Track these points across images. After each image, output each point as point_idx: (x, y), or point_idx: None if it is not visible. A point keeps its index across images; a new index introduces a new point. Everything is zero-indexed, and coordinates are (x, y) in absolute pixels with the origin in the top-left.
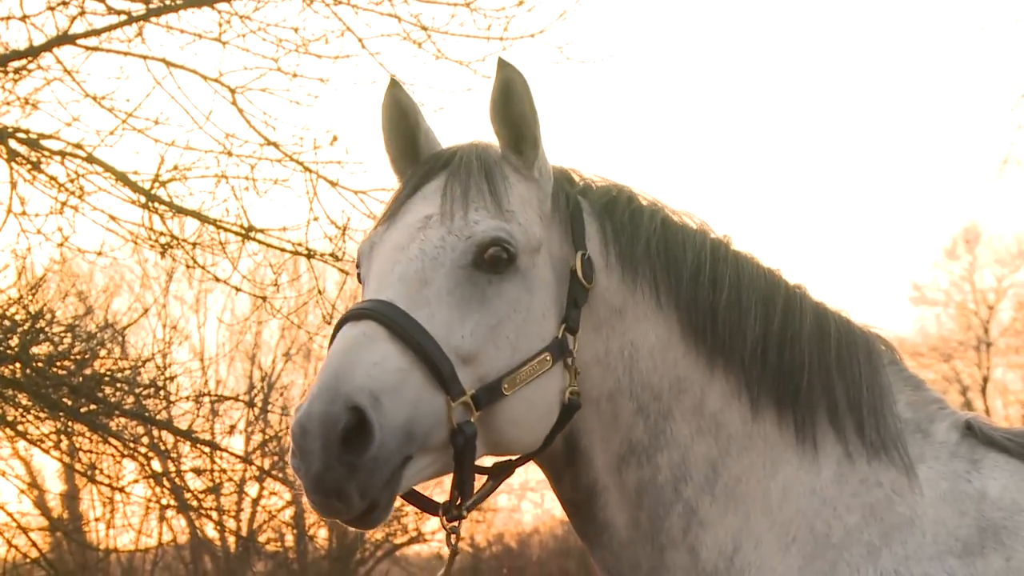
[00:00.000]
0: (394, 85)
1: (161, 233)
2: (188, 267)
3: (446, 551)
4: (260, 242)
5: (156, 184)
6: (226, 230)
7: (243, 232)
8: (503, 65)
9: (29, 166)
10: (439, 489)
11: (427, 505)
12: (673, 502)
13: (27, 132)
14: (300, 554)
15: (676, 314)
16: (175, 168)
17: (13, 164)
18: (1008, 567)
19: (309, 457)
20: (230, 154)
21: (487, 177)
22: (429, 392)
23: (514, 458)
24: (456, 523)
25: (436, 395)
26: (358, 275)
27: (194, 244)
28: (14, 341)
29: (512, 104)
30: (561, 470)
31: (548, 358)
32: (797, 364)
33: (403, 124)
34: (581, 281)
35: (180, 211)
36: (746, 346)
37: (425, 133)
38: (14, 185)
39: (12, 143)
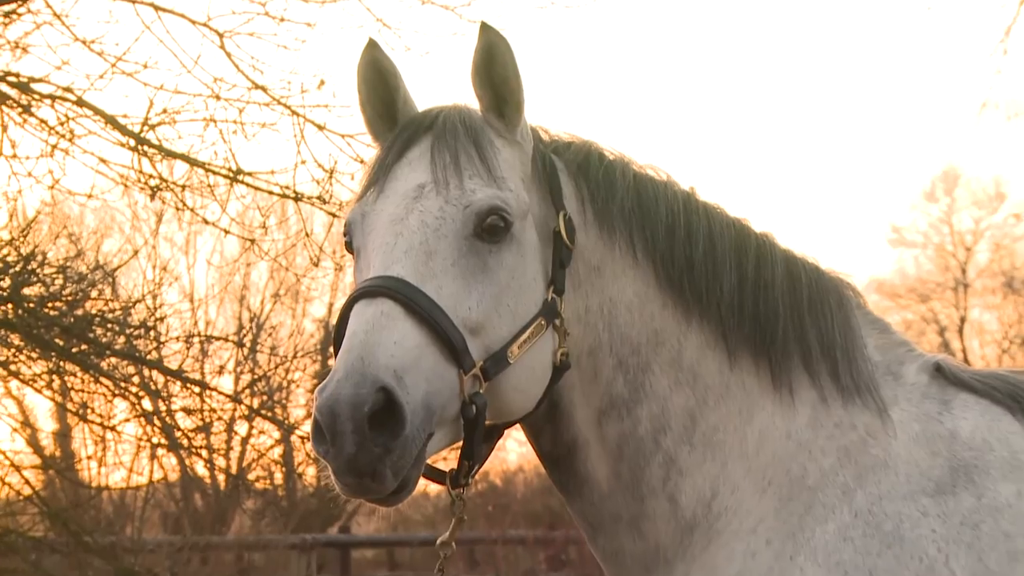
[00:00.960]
0: (372, 45)
1: (151, 176)
2: (177, 209)
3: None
4: (248, 185)
5: (145, 127)
6: (215, 173)
7: (231, 175)
8: (485, 28)
9: (20, 109)
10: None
11: (433, 474)
12: (653, 452)
13: (17, 76)
14: (289, 491)
15: (653, 268)
16: (164, 111)
17: (4, 107)
18: (979, 505)
19: (341, 439)
20: (218, 98)
21: (475, 143)
22: (444, 367)
23: (503, 422)
24: (462, 490)
25: (450, 369)
26: (347, 243)
27: (183, 187)
28: (6, 282)
29: (495, 68)
30: (541, 426)
31: (543, 322)
32: (771, 312)
33: (381, 86)
34: (565, 242)
35: (169, 154)
36: (722, 296)
37: (404, 96)
38: (4, 128)
39: (3, 86)
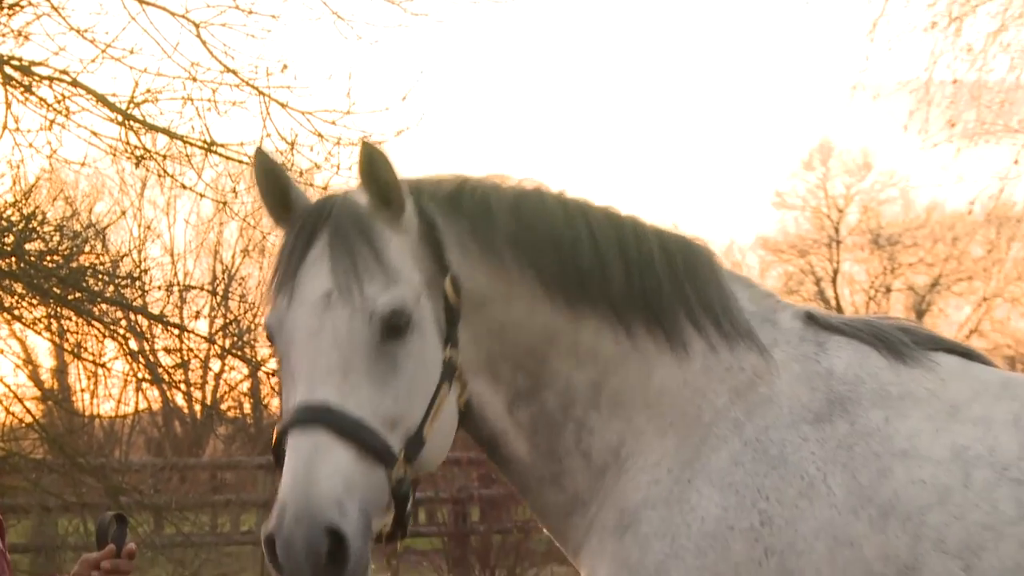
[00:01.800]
0: (260, 153)
1: (136, 147)
2: (159, 176)
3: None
4: (221, 155)
5: (131, 105)
6: (192, 144)
7: (206, 146)
8: (365, 144)
9: (22, 89)
10: None
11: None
12: (564, 422)
13: (20, 60)
14: (256, 419)
15: (540, 282)
16: (148, 92)
17: (8, 87)
18: (852, 430)
19: (299, 572)
20: (195, 80)
21: (367, 241)
22: (374, 474)
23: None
24: (397, 543)
25: (379, 472)
26: (270, 339)
27: (164, 156)
28: (10, 239)
29: (376, 174)
30: (469, 425)
31: (446, 385)
32: (655, 286)
33: (273, 182)
34: (453, 302)
35: (152, 128)
36: (611, 287)
37: (293, 188)
38: (8, 105)
39: (7, 69)
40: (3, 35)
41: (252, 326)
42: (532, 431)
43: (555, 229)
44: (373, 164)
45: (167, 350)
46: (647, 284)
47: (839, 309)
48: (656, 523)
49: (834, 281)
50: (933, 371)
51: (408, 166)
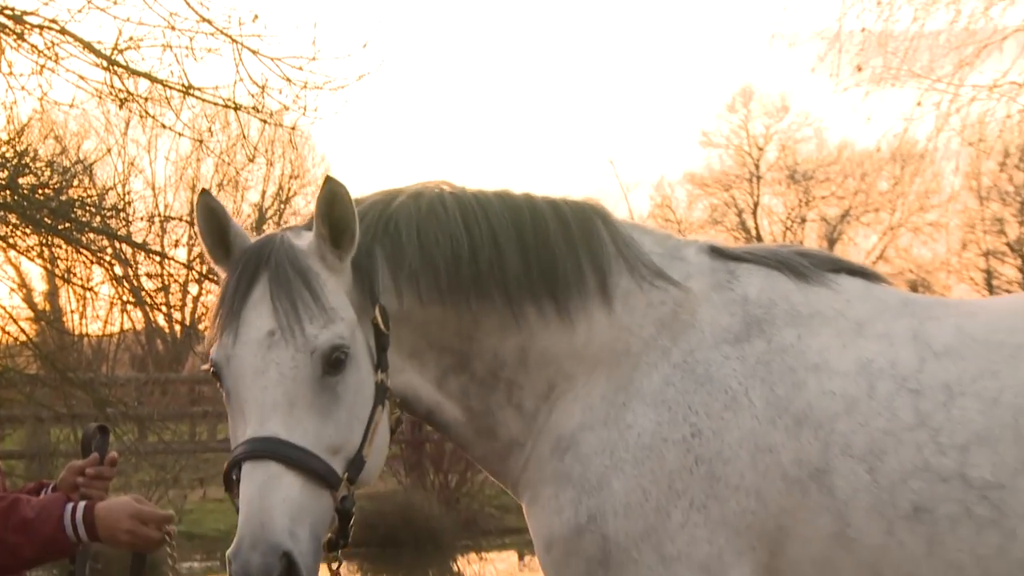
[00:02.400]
0: (203, 194)
1: (120, 90)
2: (141, 117)
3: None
4: (198, 98)
5: (115, 51)
6: (171, 88)
7: (184, 90)
8: (329, 179)
9: (15, 36)
10: None
11: None
12: (495, 384)
13: (12, 9)
14: None
15: (451, 289)
16: (130, 39)
17: (2, 35)
18: (769, 348)
19: None
20: (173, 28)
21: (305, 282)
22: (321, 497)
23: None
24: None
25: (324, 495)
26: (216, 375)
27: (146, 99)
28: (4, 174)
29: (335, 211)
30: (408, 407)
31: (380, 408)
32: (550, 263)
33: (214, 222)
34: (382, 330)
35: (134, 73)
36: (510, 275)
37: (233, 229)
38: (2, 51)
39: (1, 18)
40: None
41: None
42: (463, 396)
43: (456, 240)
44: (334, 203)
45: (149, 275)
46: (544, 264)
47: (759, 238)
48: (595, 442)
49: (754, 213)
50: (839, 292)
51: (369, 108)
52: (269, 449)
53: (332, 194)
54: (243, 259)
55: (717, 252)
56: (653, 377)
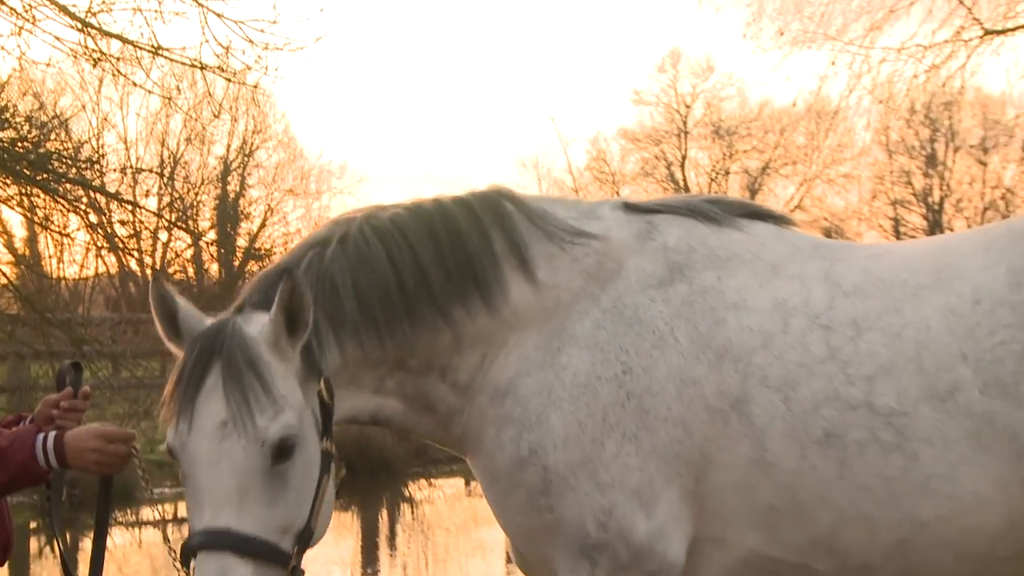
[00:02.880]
0: (155, 281)
1: (93, 50)
2: (114, 75)
3: None
4: (166, 58)
5: (89, 14)
6: (141, 48)
7: (153, 50)
8: (290, 274)
9: None
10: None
11: None
12: (429, 371)
13: None
14: (199, 282)
15: (381, 327)
16: (103, 2)
17: None
18: (691, 290)
19: None
20: None
21: (255, 373)
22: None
23: None
24: None
25: (275, 572)
26: (173, 456)
27: (118, 59)
28: None
29: (295, 302)
30: (352, 420)
31: (326, 477)
32: (466, 261)
33: (165, 308)
34: (327, 402)
35: (107, 34)
36: (433, 287)
37: (182, 313)
38: None
39: None
40: None
41: (194, 203)
42: (399, 389)
43: (383, 276)
44: (293, 297)
45: (122, 222)
46: (463, 266)
47: (687, 189)
48: (532, 384)
49: (682, 166)
50: (753, 235)
51: (326, 67)
52: (221, 542)
53: (292, 289)
54: (197, 344)
55: (631, 207)
56: (585, 322)
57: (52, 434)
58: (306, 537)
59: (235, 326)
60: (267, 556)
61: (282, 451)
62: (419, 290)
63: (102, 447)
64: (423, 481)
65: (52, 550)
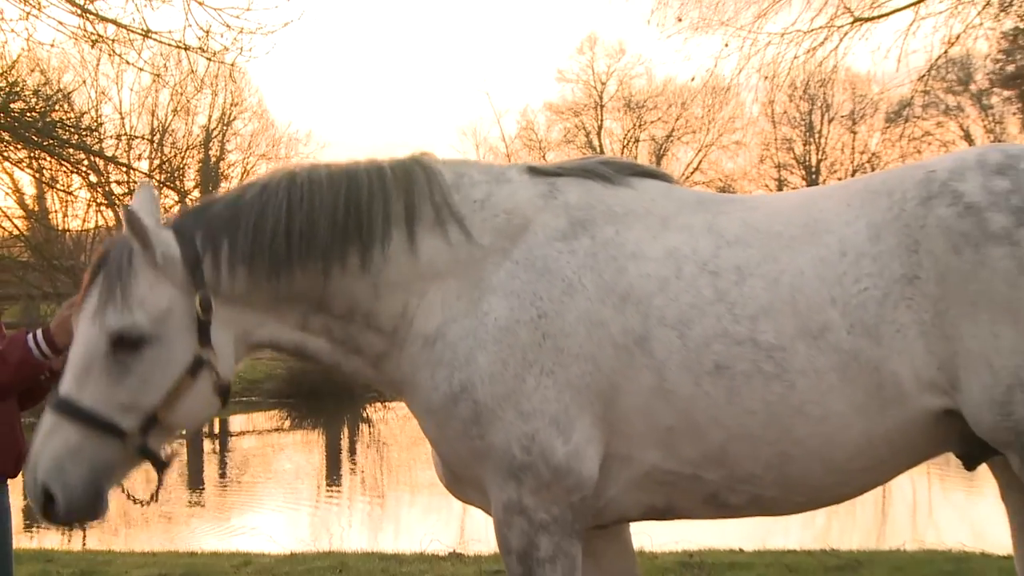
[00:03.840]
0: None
1: (92, 33)
2: (110, 55)
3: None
4: (155, 39)
5: (88, 1)
6: (133, 32)
7: (143, 33)
8: (125, 209)
9: None
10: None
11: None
12: (352, 317)
13: None
14: None
15: (282, 264)
16: None
17: None
18: (593, 243)
19: (37, 510)
20: None
21: (120, 277)
22: (106, 443)
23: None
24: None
25: (112, 440)
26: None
27: (113, 40)
28: None
29: (133, 230)
30: (274, 348)
31: (188, 378)
32: (391, 203)
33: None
34: (200, 316)
35: (103, 19)
36: (347, 232)
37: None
38: None
39: None
40: None
41: (180, 165)
42: (326, 331)
43: (276, 223)
44: (129, 224)
45: (118, 182)
46: (354, 218)
47: (603, 154)
48: (459, 330)
49: (599, 134)
50: (644, 192)
51: (293, 49)
52: (59, 405)
53: (126, 219)
54: (106, 252)
55: (535, 170)
56: (500, 273)
57: (39, 330)
58: (150, 423)
59: (124, 239)
60: (97, 425)
61: (122, 342)
62: (305, 236)
63: (71, 315)
64: (378, 404)
65: None
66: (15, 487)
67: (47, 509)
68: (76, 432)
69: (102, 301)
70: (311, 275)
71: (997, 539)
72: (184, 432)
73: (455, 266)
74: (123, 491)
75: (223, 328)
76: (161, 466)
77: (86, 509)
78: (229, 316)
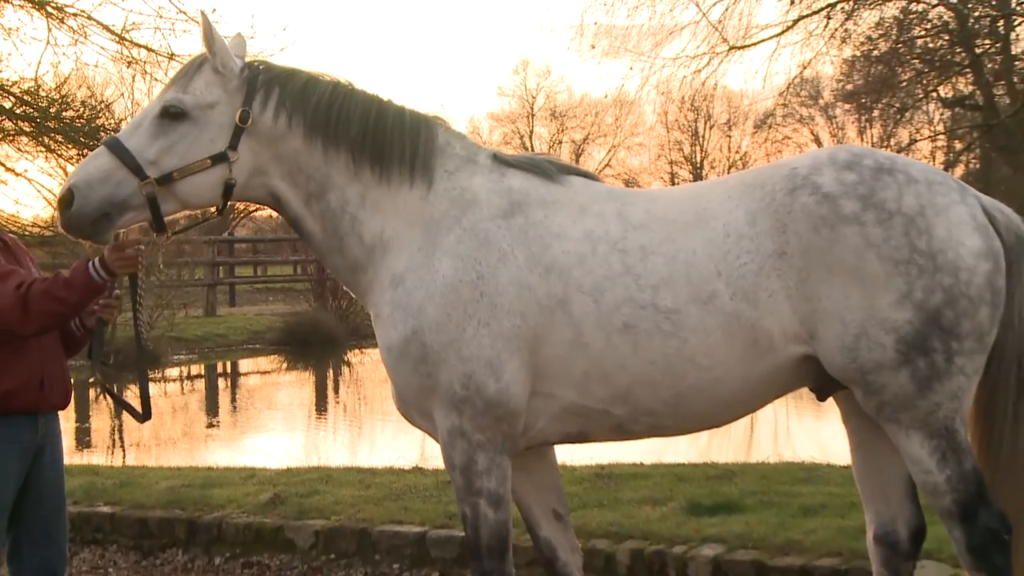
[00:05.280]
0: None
1: (128, 56)
2: (143, 74)
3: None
4: (178, 62)
5: (124, 31)
6: (160, 55)
7: (169, 56)
8: (203, 16)
9: (57, 20)
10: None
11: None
12: (342, 215)
13: (55, 2)
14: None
15: (312, 132)
16: (133, 24)
17: (49, 19)
18: (526, 222)
19: (60, 204)
20: (161, 16)
21: (188, 72)
22: (126, 177)
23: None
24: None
25: (131, 178)
26: None
27: (144, 62)
28: (54, 109)
29: (206, 38)
30: (280, 210)
31: (208, 162)
32: (390, 138)
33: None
34: (238, 124)
35: (136, 45)
36: (351, 138)
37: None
38: (50, 30)
39: (49, 8)
40: None
41: None
42: (321, 218)
43: (321, 96)
44: (204, 29)
45: None
46: (376, 139)
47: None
48: (415, 280)
49: (531, 138)
50: (569, 186)
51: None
52: (108, 143)
53: (204, 29)
54: (195, 57)
55: (497, 158)
56: (450, 237)
57: (96, 259)
58: (165, 179)
59: (205, 53)
60: (126, 162)
61: (168, 112)
62: (338, 127)
63: (120, 252)
64: (357, 351)
65: (104, 396)
66: (65, 416)
67: (63, 208)
68: (111, 163)
69: (171, 82)
70: (331, 158)
71: (839, 453)
72: (183, 209)
73: (420, 219)
74: (130, 413)
75: (249, 152)
76: (160, 222)
77: (91, 224)
78: (258, 148)
